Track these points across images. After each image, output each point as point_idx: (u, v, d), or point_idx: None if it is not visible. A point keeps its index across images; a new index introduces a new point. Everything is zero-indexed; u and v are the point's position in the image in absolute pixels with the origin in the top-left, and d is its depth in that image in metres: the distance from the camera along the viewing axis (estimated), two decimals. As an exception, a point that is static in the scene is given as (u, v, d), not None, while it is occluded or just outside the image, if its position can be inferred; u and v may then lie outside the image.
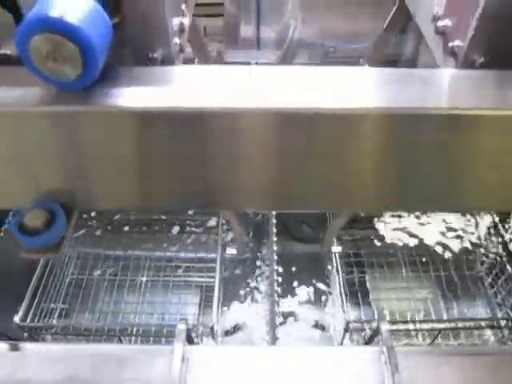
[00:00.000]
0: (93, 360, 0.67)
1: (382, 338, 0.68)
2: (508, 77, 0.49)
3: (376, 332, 1.10)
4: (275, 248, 1.58)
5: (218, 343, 1.37)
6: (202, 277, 1.53)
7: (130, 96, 0.43)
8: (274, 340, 1.43)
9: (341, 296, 1.33)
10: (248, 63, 1.90)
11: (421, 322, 1.35)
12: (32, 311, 1.29)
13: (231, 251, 1.65)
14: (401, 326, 1.36)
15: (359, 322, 1.36)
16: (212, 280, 1.39)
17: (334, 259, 1.45)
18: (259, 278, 1.60)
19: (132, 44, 0.47)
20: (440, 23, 0.57)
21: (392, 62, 1.00)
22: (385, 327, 0.69)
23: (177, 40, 0.50)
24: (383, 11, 1.01)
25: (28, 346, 0.70)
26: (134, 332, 1.35)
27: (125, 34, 0.46)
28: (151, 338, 1.34)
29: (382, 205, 0.55)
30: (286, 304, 1.53)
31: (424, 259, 1.59)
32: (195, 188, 0.49)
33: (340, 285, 1.35)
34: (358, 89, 0.45)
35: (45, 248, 0.45)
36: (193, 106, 0.43)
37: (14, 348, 0.69)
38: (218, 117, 0.43)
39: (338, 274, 1.38)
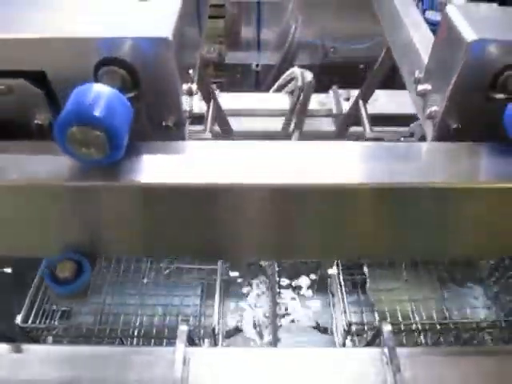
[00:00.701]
0: (94, 361, 0.67)
1: (384, 339, 0.68)
2: (478, 149, 0.54)
3: (378, 333, 1.10)
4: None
5: (219, 344, 1.38)
6: (204, 278, 1.53)
7: (148, 172, 0.50)
8: (275, 341, 1.43)
9: (342, 297, 1.33)
10: (249, 65, 1.91)
11: (422, 323, 1.35)
12: (34, 312, 1.29)
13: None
14: (402, 327, 1.35)
15: (361, 324, 1.36)
16: (213, 281, 1.39)
17: (334, 261, 1.44)
18: (260, 280, 1.60)
19: (147, 114, 0.53)
20: (420, 87, 0.60)
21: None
22: (386, 328, 0.68)
23: (186, 107, 0.56)
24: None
25: (29, 348, 0.70)
26: (136, 333, 1.35)
27: (141, 106, 0.52)
28: (152, 340, 1.34)
29: (376, 254, 0.64)
30: (288, 305, 1.53)
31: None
32: (204, 244, 0.57)
33: (341, 286, 1.35)
34: (344, 165, 0.52)
35: (74, 294, 0.53)
36: (201, 182, 0.50)
37: (16, 349, 0.69)
38: (224, 191, 0.50)
39: (339, 276, 1.38)
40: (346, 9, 1.67)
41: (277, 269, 1.57)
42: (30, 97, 0.52)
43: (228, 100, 1.20)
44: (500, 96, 0.51)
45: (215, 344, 1.31)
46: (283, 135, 1.09)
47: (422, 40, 0.65)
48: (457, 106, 0.53)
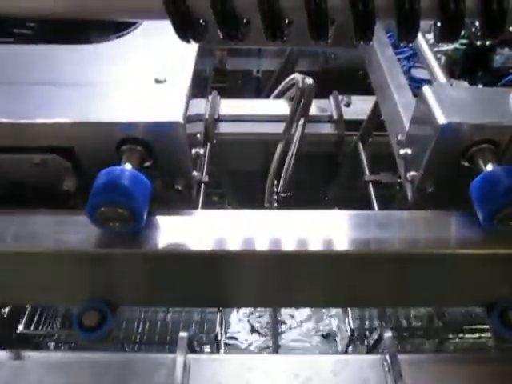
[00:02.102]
0: (95, 369, 0.67)
1: (385, 346, 0.68)
2: (447, 219, 0.61)
3: (379, 339, 1.10)
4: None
5: (221, 350, 1.37)
6: None
7: (163, 240, 0.58)
8: (276, 348, 1.42)
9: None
10: (250, 71, 1.91)
11: (426, 327, 1.34)
12: (35, 319, 1.28)
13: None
14: (406, 332, 1.35)
15: (364, 330, 1.35)
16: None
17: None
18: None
19: (161, 180, 0.61)
20: (401, 151, 0.66)
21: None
22: (387, 335, 0.68)
23: (195, 172, 0.64)
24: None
25: (29, 355, 0.69)
26: (138, 339, 1.34)
27: (155, 174, 0.59)
28: (154, 345, 1.33)
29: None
30: (289, 311, 1.53)
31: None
32: (209, 299, 0.67)
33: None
34: (332, 232, 0.59)
35: (97, 340, 0.60)
36: (206, 249, 0.57)
37: (16, 356, 0.69)
38: (226, 256, 0.58)
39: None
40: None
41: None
42: (61, 168, 0.60)
43: (229, 106, 1.20)
44: (469, 166, 0.58)
45: (217, 350, 1.31)
46: (283, 140, 1.09)
47: (405, 105, 0.71)
48: (432, 173, 0.60)
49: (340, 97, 1.23)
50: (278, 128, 1.12)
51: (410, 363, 0.66)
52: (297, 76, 1.13)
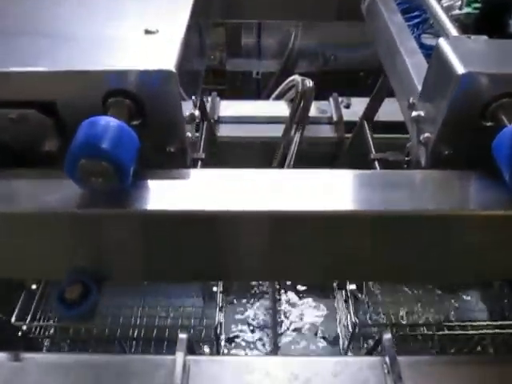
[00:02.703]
0: (94, 370, 0.67)
1: (385, 347, 0.68)
2: (467, 177, 0.56)
3: (378, 341, 1.10)
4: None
5: (221, 351, 1.37)
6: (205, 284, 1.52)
7: (152, 199, 0.53)
8: (276, 349, 1.42)
9: (347, 299, 1.32)
10: (250, 72, 1.92)
11: (429, 324, 1.34)
12: (31, 314, 1.27)
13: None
14: (408, 330, 1.34)
15: (367, 325, 1.35)
16: (215, 285, 1.38)
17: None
18: (261, 285, 1.60)
19: (152, 141, 0.55)
20: (414, 113, 0.60)
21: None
22: (386, 336, 0.68)
23: (189, 133, 0.58)
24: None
25: (29, 356, 0.69)
26: (136, 335, 1.32)
27: (145, 133, 0.53)
28: (152, 342, 1.32)
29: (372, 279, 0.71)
30: (288, 312, 1.53)
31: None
32: (205, 268, 0.60)
33: (346, 289, 1.34)
34: (337, 192, 0.54)
35: (81, 316, 0.55)
36: (202, 209, 0.52)
37: (15, 358, 0.69)
38: (224, 217, 0.53)
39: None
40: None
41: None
42: (41, 126, 0.53)
43: (228, 107, 1.21)
44: (490, 124, 0.53)
45: (217, 350, 1.31)
46: (283, 142, 1.09)
47: (417, 67, 0.67)
48: (449, 133, 0.55)
49: (340, 98, 1.23)
50: (278, 130, 1.12)
51: (410, 365, 0.66)
52: (296, 78, 1.13)
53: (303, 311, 1.55)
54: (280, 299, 1.57)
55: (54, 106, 0.53)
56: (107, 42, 0.57)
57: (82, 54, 0.55)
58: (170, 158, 0.57)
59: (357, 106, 1.19)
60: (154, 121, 0.54)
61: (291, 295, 1.58)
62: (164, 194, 0.54)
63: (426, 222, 0.53)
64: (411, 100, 0.63)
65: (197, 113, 0.59)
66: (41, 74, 0.51)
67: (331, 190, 0.54)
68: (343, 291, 1.38)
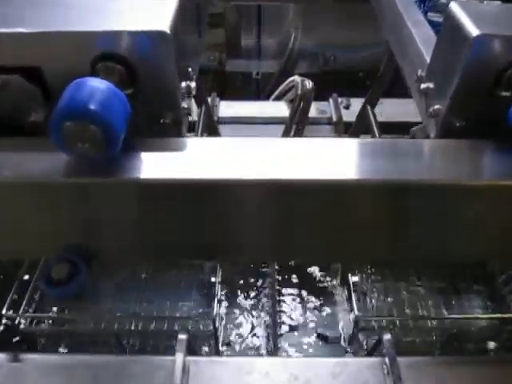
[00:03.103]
0: (93, 371, 0.66)
1: (385, 348, 0.68)
2: (480, 147, 0.53)
3: (378, 342, 1.10)
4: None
5: (220, 350, 1.37)
6: (204, 277, 1.50)
7: (144, 168, 0.50)
8: (275, 350, 1.42)
9: (348, 293, 1.31)
10: (249, 73, 1.92)
11: (431, 318, 1.33)
12: (22, 307, 1.25)
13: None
14: (410, 323, 1.34)
15: (369, 317, 1.34)
16: (214, 284, 1.37)
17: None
18: (260, 283, 1.59)
19: (144, 111, 0.52)
20: (422, 85, 0.58)
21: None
22: (386, 337, 0.68)
23: (185, 104, 0.54)
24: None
25: (27, 357, 0.69)
26: (133, 330, 1.32)
27: (139, 102, 0.50)
28: (151, 341, 1.31)
29: (377, 256, 0.65)
30: (288, 312, 1.52)
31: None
32: (201, 243, 0.56)
33: (349, 285, 1.34)
34: (344, 161, 0.51)
35: (68, 297, 0.53)
36: (198, 177, 0.49)
37: (14, 358, 0.69)
38: (221, 186, 0.50)
39: (343, 278, 1.37)
40: (346, 17, 1.67)
41: (276, 267, 1.55)
42: (26, 93, 0.50)
43: (228, 108, 1.21)
44: (505, 93, 0.50)
45: (216, 349, 1.30)
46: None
47: (424, 39, 0.64)
48: (460, 103, 0.52)
49: (339, 99, 1.23)
50: (278, 130, 1.12)
51: (410, 366, 0.66)
52: (296, 78, 1.14)
53: (303, 311, 1.54)
54: (280, 299, 1.57)
55: (39, 71, 0.50)
56: (97, 4, 0.53)
57: (69, 16, 0.51)
58: (165, 131, 0.54)
59: (356, 107, 1.19)
60: (147, 88, 0.50)
61: (291, 295, 1.58)
62: (158, 163, 0.50)
63: (436, 192, 0.50)
64: (419, 73, 0.60)
65: (193, 85, 0.55)
66: (24, 36, 0.48)
67: (336, 159, 0.51)
68: (345, 289, 1.37)
